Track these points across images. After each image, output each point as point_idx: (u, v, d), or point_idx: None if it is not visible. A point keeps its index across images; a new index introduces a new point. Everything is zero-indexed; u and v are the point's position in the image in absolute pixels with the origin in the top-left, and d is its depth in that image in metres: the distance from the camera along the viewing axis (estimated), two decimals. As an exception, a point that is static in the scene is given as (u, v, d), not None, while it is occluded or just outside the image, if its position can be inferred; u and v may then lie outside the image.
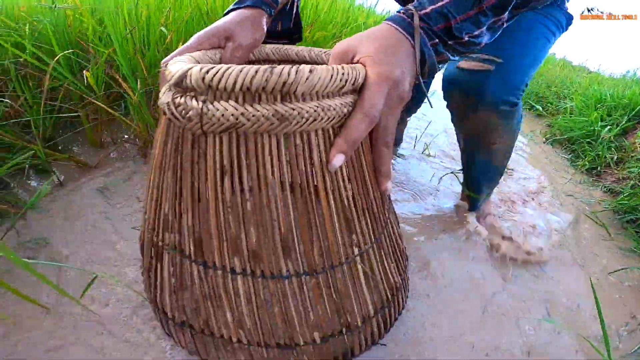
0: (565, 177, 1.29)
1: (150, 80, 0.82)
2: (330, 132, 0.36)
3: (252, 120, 0.32)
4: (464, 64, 0.59)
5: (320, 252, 0.39)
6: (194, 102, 0.33)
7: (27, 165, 0.74)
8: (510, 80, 0.56)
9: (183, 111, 0.33)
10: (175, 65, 0.34)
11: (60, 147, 0.87)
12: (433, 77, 0.65)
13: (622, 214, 1.00)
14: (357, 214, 0.40)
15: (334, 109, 0.34)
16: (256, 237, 0.37)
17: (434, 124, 1.49)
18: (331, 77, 0.33)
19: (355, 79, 0.35)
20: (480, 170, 0.77)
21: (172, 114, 0.34)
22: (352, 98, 0.36)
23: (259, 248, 0.37)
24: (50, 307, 0.51)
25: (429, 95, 0.58)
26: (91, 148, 0.90)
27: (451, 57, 0.42)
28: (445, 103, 0.69)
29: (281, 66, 0.31)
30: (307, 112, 0.33)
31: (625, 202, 1.01)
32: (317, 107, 0.33)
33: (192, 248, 0.39)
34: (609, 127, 1.55)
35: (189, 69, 0.32)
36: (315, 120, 0.33)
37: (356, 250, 0.41)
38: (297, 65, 0.32)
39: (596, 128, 1.56)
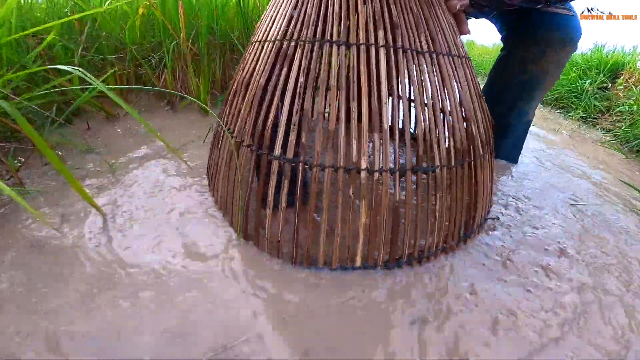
0: (568, 125, 1.40)
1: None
2: None
3: None
4: (558, 9, 0.68)
5: None
6: None
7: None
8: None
9: None
10: None
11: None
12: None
13: (627, 142, 1.10)
14: None
15: None
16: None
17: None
18: None
19: None
20: (525, 125, 0.82)
21: None
22: None
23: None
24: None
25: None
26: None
27: None
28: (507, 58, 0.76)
29: None
30: None
31: (628, 130, 1.11)
32: None
33: None
34: (589, 81, 1.68)
35: None
36: None
37: None
38: None
39: (578, 84, 1.69)
